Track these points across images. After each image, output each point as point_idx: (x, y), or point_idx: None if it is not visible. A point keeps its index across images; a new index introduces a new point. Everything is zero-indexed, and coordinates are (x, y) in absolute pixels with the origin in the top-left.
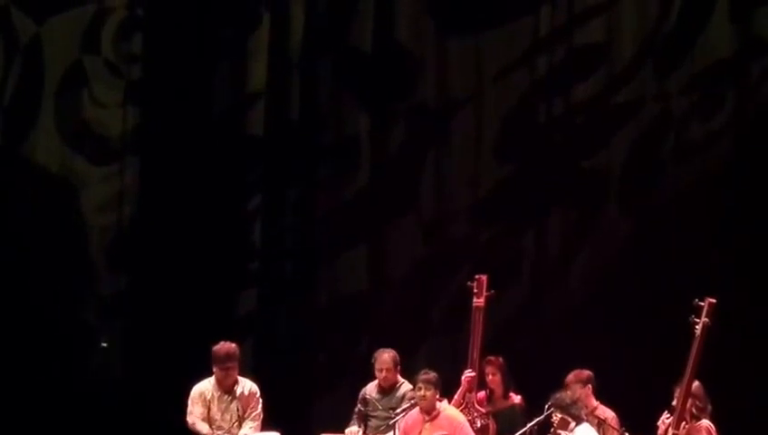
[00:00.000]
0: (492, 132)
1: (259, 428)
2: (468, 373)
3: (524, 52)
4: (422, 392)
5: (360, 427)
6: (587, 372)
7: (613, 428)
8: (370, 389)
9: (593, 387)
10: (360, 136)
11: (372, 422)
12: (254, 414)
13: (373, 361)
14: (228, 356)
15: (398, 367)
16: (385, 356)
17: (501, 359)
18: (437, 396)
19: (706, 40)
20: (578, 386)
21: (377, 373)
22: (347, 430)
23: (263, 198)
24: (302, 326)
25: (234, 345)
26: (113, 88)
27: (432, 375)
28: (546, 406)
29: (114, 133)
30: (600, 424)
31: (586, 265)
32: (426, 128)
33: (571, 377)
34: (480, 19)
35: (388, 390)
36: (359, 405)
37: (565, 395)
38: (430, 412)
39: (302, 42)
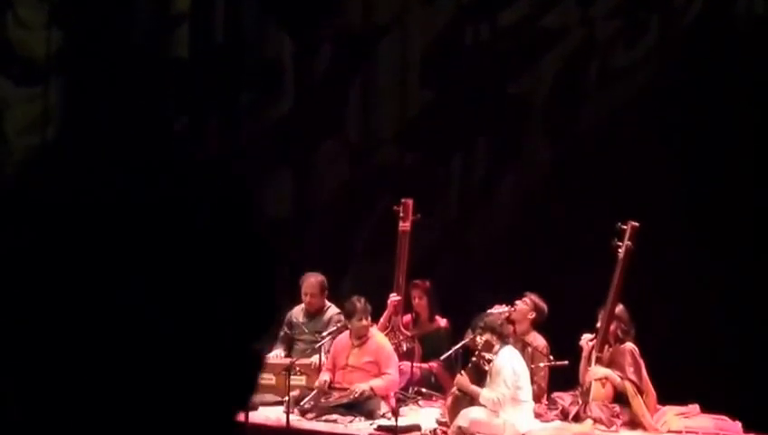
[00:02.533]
0: (418, 57)
1: None
2: (394, 297)
3: None
4: (363, 323)
5: (284, 351)
6: (543, 305)
7: (542, 354)
8: (296, 312)
9: (536, 320)
10: (284, 59)
11: (299, 346)
12: None
13: (300, 284)
14: None
15: (326, 291)
16: (311, 280)
17: (427, 283)
18: (369, 322)
19: None
20: (530, 305)
21: (303, 297)
22: (270, 354)
23: (188, 120)
24: None
25: None
26: (37, 10)
27: (364, 303)
28: (473, 324)
29: (39, 55)
30: (525, 347)
31: (511, 189)
32: (352, 52)
33: (533, 295)
34: None
35: (314, 313)
36: (284, 328)
37: (496, 315)
38: (360, 337)
39: None
